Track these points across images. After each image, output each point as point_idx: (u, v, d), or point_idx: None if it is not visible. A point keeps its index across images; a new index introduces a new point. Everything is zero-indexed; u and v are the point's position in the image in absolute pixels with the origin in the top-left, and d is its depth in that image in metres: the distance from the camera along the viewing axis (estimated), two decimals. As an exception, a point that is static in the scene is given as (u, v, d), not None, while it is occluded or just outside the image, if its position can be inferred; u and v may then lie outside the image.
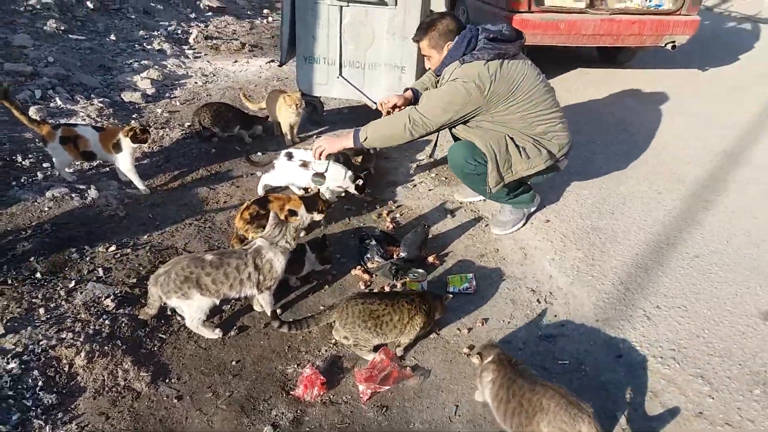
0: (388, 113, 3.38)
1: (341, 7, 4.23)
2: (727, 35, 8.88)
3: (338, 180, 3.44)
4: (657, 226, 3.48)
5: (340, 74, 4.47)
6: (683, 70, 6.80)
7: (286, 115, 4.29)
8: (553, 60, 6.41)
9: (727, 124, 5.09)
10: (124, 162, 3.54)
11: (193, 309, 2.43)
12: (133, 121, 4.44)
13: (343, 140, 3.12)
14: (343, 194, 3.58)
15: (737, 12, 10.93)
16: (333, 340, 2.53)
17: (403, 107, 3.38)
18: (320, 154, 3.16)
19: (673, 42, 5.72)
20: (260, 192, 3.65)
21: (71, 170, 3.68)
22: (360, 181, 3.46)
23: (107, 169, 3.82)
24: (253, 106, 4.73)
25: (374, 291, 2.86)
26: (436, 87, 3.45)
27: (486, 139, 3.02)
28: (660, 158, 4.39)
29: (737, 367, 2.44)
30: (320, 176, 3.34)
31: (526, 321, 2.70)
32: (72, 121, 4.20)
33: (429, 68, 3.29)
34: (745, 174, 4.16)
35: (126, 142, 3.47)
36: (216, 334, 2.52)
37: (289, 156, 3.61)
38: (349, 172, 3.45)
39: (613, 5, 5.67)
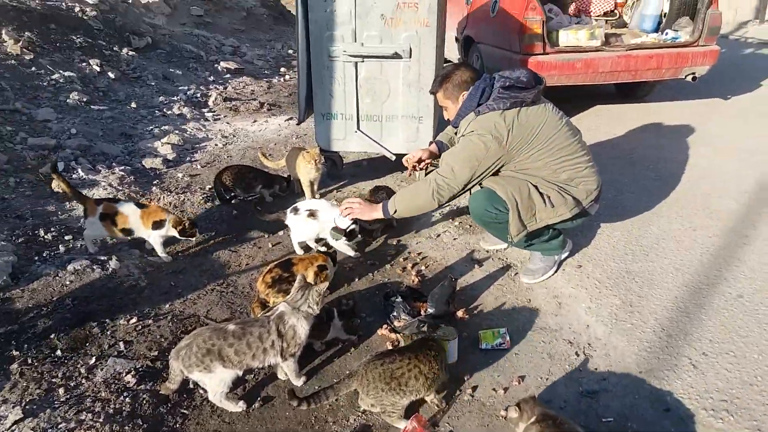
0: (414, 168, 3.43)
1: (356, 63, 4.25)
2: (745, 61, 8.77)
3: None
4: (695, 266, 3.32)
5: (358, 128, 4.46)
6: (704, 99, 6.68)
7: (306, 171, 4.28)
8: (571, 99, 6.35)
9: (756, 153, 4.94)
10: (158, 237, 3.54)
11: (215, 382, 2.34)
12: (170, 212, 4.43)
13: (373, 211, 3.10)
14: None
15: (753, 38, 10.85)
16: (361, 409, 2.41)
17: (428, 161, 3.44)
18: (347, 214, 3.15)
19: (694, 73, 5.63)
20: (298, 251, 3.61)
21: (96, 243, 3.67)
22: (350, 226, 3.36)
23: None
24: (273, 165, 4.74)
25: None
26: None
27: (506, 187, 2.93)
28: (690, 193, 4.25)
29: (800, 418, 2.26)
30: (339, 231, 3.29)
31: (565, 376, 2.56)
32: (113, 197, 4.22)
33: (447, 119, 3.25)
34: (783, 205, 4.00)
35: (170, 227, 3.51)
36: (240, 407, 2.42)
37: (295, 210, 3.58)
38: (348, 221, 3.37)
39: (629, 41, 5.63)
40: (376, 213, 3.08)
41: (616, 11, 6.86)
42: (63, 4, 7.96)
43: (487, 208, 2.98)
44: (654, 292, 3.10)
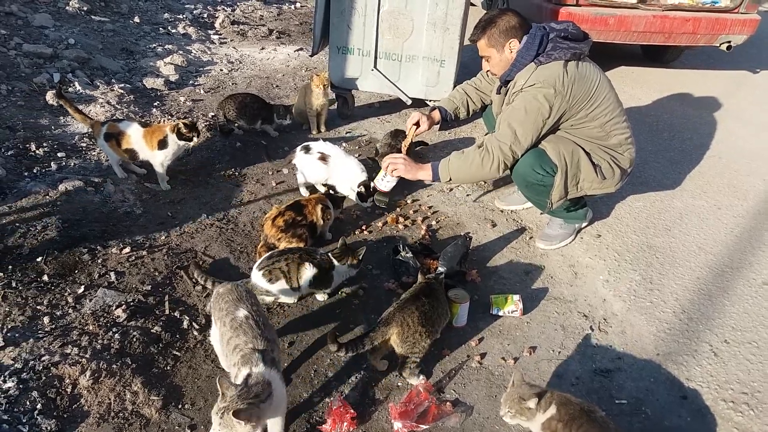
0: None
1: (380, -6, 3.95)
2: (776, 36, 8.43)
3: (349, 179, 3.28)
4: (719, 247, 3.17)
5: (375, 67, 4.20)
6: (733, 71, 6.41)
7: (314, 95, 4.04)
8: (594, 57, 6.05)
9: (786, 133, 4.74)
10: (162, 158, 3.32)
11: None
12: (166, 117, 4.18)
13: (421, 173, 2.86)
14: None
15: (785, 12, 10.41)
16: (364, 364, 2.28)
17: (424, 131, 3.23)
18: (392, 171, 2.90)
19: (729, 42, 5.34)
20: (304, 193, 3.42)
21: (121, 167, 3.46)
22: (362, 188, 3.22)
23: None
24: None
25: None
26: (471, 100, 3.26)
27: (560, 149, 2.74)
28: (716, 169, 4.06)
29: (823, 419, 2.15)
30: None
31: (578, 351, 2.43)
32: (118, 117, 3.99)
33: (487, 72, 2.97)
34: (811, 190, 3.83)
35: (172, 139, 3.26)
36: None
37: (306, 149, 3.37)
38: (362, 176, 3.24)
39: (666, 1, 5.31)
40: (422, 173, 2.84)
41: (654, -33, 6.47)
42: None
43: (535, 168, 2.75)
44: (675, 271, 2.95)
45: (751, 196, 3.73)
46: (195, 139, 3.31)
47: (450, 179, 2.78)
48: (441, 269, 2.72)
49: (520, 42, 2.70)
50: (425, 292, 2.28)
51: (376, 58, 4.18)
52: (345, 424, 2.01)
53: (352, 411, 2.04)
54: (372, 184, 3.13)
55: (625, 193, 3.60)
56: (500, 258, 3.02)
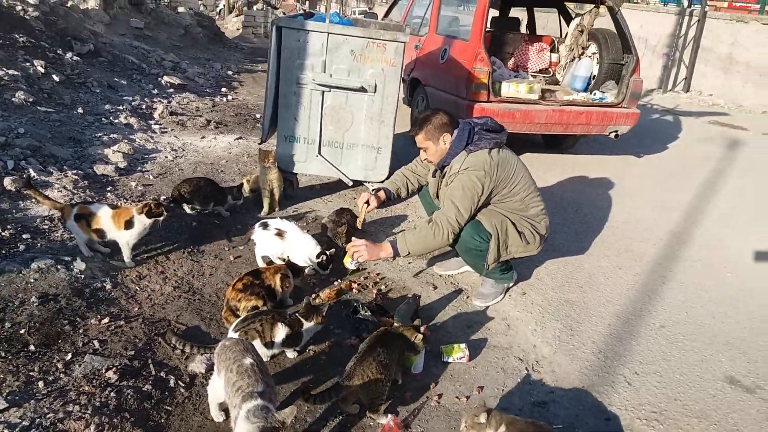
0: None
1: (323, 92, 4.50)
2: (652, 125, 9.73)
3: (305, 252, 3.62)
4: (623, 299, 3.76)
5: (319, 153, 4.69)
6: (621, 156, 7.39)
7: (269, 172, 4.45)
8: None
9: (669, 207, 5.57)
10: (128, 237, 3.57)
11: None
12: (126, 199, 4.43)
13: (381, 252, 3.26)
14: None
15: (658, 105, 12.01)
16: (338, 410, 2.59)
17: (372, 208, 3.71)
18: (357, 257, 3.30)
19: (616, 131, 6.28)
20: (260, 263, 3.73)
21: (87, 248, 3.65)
22: (323, 257, 3.60)
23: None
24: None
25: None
26: (410, 182, 3.77)
27: (491, 220, 3.30)
28: (615, 237, 4.76)
29: (714, 427, 2.67)
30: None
31: (517, 388, 2.86)
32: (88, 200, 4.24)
33: (424, 159, 3.50)
34: (692, 253, 4.57)
35: (140, 219, 3.53)
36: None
37: (264, 225, 3.74)
38: (317, 249, 3.62)
39: (562, 97, 6.21)
40: (383, 253, 3.26)
41: (550, 69, 7.51)
42: (4, 1, 7.72)
43: (474, 236, 3.28)
44: (590, 320, 3.50)
45: (645, 258, 4.41)
46: (163, 215, 3.61)
47: (408, 253, 3.24)
48: (396, 325, 3.11)
49: (451, 135, 3.28)
50: (380, 341, 2.65)
51: (320, 145, 4.68)
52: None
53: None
54: (330, 255, 3.54)
55: (542, 258, 4.16)
56: (443, 315, 3.45)
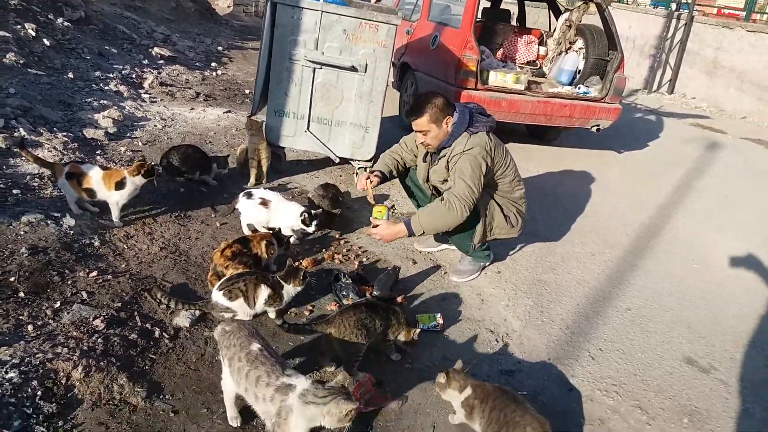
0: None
1: (314, 69, 4.59)
2: (635, 124, 9.93)
3: (291, 218, 3.73)
4: (593, 282, 3.93)
5: (308, 129, 4.78)
6: (603, 150, 7.57)
7: (249, 140, 4.58)
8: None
9: (644, 202, 5.76)
10: (118, 198, 3.66)
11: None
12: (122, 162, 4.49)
13: (398, 232, 3.32)
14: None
15: (642, 104, 12.23)
16: (315, 366, 2.73)
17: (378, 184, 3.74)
18: (379, 240, 3.46)
19: (598, 125, 6.45)
20: (246, 231, 3.82)
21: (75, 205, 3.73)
22: (305, 215, 3.69)
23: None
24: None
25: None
26: (399, 164, 3.82)
27: (480, 202, 3.39)
28: (591, 226, 4.93)
29: (669, 401, 2.84)
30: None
31: (487, 357, 3.01)
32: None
33: (422, 143, 3.49)
34: (662, 245, 4.75)
35: (132, 180, 3.62)
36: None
37: (249, 195, 3.85)
38: (301, 212, 3.72)
39: (547, 90, 6.36)
40: (401, 233, 3.32)
41: (537, 62, 7.66)
42: (-4, -38, 7.66)
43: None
44: (560, 299, 3.66)
45: (618, 247, 4.59)
46: (155, 174, 3.72)
47: (423, 231, 3.31)
48: (376, 293, 3.25)
49: (452, 118, 3.36)
50: (367, 305, 2.79)
51: (309, 121, 4.78)
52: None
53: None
54: (313, 213, 3.69)
55: (518, 241, 4.30)
56: (421, 288, 3.59)
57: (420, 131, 3.40)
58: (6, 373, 2.30)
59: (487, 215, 3.46)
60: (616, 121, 6.53)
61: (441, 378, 2.47)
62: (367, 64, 4.62)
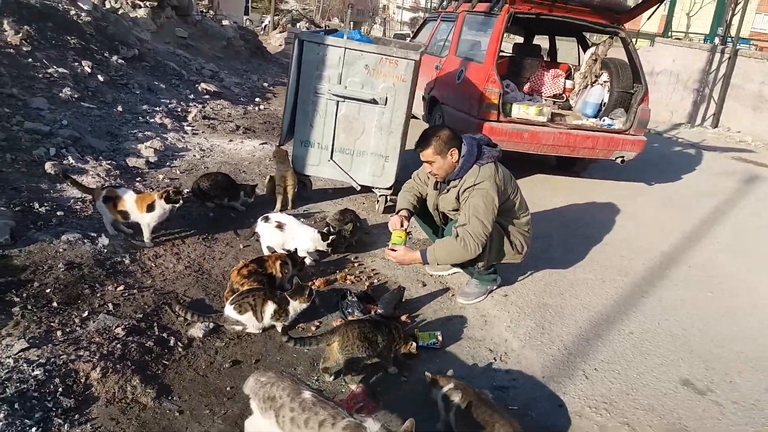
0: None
1: (338, 101, 4.87)
2: (673, 157, 9.89)
3: (305, 240, 3.99)
4: (599, 308, 4.00)
5: (331, 158, 5.05)
6: (634, 183, 7.58)
7: (276, 168, 4.89)
8: (516, 165, 7.13)
9: (668, 231, 5.77)
10: (149, 220, 3.97)
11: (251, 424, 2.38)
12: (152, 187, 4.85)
13: (414, 260, 3.62)
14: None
15: (683, 138, 12.12)
16: (316, 377, 2.91)
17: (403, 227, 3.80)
18: (391, 258, 3.70)
19: (623, 157, 6.51)
20: (266, 253, 4.06)
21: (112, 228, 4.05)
22: (321, 234, 3.98)
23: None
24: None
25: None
26: (418, 199, 3.99)
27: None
28: (607, 254, 4.99)
29: (658, 419, 2.90)
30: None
31: (483, 374, 3.13)
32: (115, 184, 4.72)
33: (429, 172, 3.67)
34: (680, 273, 4.77)
35: (160, 204, 3.93)
36: None
37: (266, 219, 4.11)
38: (316, 234, 3.99)
39: (571, 122, 6.48)
40: (416, 261, 3.61)
41: (564, 95, 7.80)
42: (60, 5, 8.38)
43: None
44: (563, 321, 3.75)
45: (632, 274, 4.63)
46: (180, 201, 4.00)
47: (437, 263, 3.61)
48: (380, 311, 3.43)
49: (458, 149, 3.53)
50: (371, 321, 2.97)
51: (332, 151, 5.05)
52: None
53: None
54: (327, 231, 3.99)
55: (529, 266, 4.41)
56: (427, 309, 3.74)
57: (427, 161, 3.61)
58: (32, 370, 2.58)
59: (494, 242, 3.61)
60: (640, 152, 6.57)
61: (427, 376, 2.70)
62: (387, 98, 4.87)
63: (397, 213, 3.89)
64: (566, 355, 3.38)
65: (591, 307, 4.00)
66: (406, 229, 3.78)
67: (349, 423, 2.01)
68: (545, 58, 8.86)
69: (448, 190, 3.71)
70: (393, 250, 3.64)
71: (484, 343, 3.43)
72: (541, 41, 9.29)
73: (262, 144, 7.01)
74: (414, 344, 3.04)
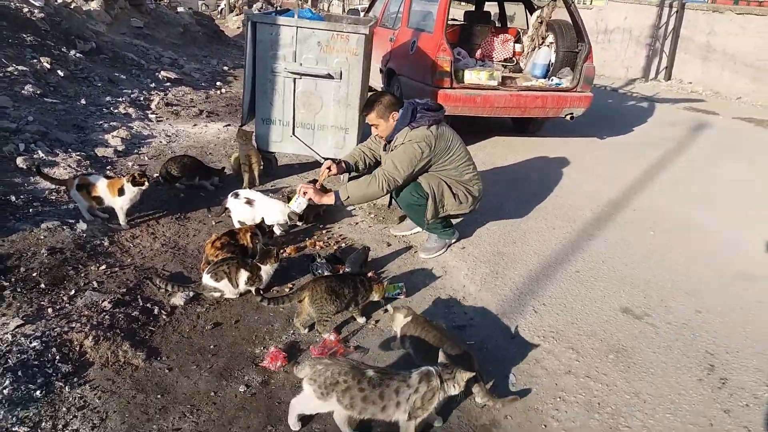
0: (323, 176, 4.14)
1: (295, 79, 5.09)
2: (626, 111, 10.29)
3: (275, 212, 4.23)
4: (549, 252, 4.35)
5: (293, 134, 5.29)
6: (586, 138, 7.96)
7: (240, 148, 5.12)
8: (475, 129, 7.46)
9: (615, 179, 6.16)
10: (121, 203, 4.17)
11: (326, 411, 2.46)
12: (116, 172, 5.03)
13: (325, 198, 3.86)
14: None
15: (638, 93, 12.55)
16: (291, 331, 3.20)
17: (333, 174, 4.15)
18: (303, 193, 3.87)
19: (571, 113, 6.86)
20: (237, 226, 4.30)
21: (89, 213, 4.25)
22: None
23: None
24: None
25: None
26: (366, 156, 4.28)
27: (429, 181, 3.92)
28: (557, 204, 5.35)
29: (599, 342, 3.26)
30: (295, 215, 4.15)
31: (443, 316, 3.45)
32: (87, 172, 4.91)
33: (376, 135, 4.09)
34: (623, 216, 5.16)
35: (128, 187, 4.13)
36: None
37: (236, 195, 4.36)
38: (284, 206, 4.23)
39: (521, 84, 6.79)
40: (326, 198, 3.86)
41: (514, 58, 8.10)
42: (12, 3, 8.38)
43: (412, 193, 3.92)
44: (516, 266, 4.10)
45: (580, 221, 5.00)
46: (146, 184, 4.21)
47: (348, 197, 3.81)
48: (347, 269, 3.72)
49: (398, 113, 3.88)
50: (338, 276, 3.28)
51: (294, 127, 5.28)
52: (279, 361, 2.90)
53: (284, 353, 2.94)
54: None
55: (485, 219, 4.75)
56: (392, 265, 4.05)
57: (372, 125, 3.99)
58: (30, 342, 2.83)
59: (436, 193, 3.90)
60: (588, 107, 6.92)
61: (390, 308, 3.06)
62: (341, 72, 5.10)
63: (335, 162, 4.19)
64: (518, 294, 3.73)
65: (541, 252, 4.35)
66: (331, 173, 4.12)
67: (419, 376, 2.33)
68: (496, 24, 9.13)
69: (390, 150, 4.02)
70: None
71: (444, 290, 3.75)
72: (491, 8, 9.55)
73: (226, 126, 7.20)
74: (385, 284, 3.37)
